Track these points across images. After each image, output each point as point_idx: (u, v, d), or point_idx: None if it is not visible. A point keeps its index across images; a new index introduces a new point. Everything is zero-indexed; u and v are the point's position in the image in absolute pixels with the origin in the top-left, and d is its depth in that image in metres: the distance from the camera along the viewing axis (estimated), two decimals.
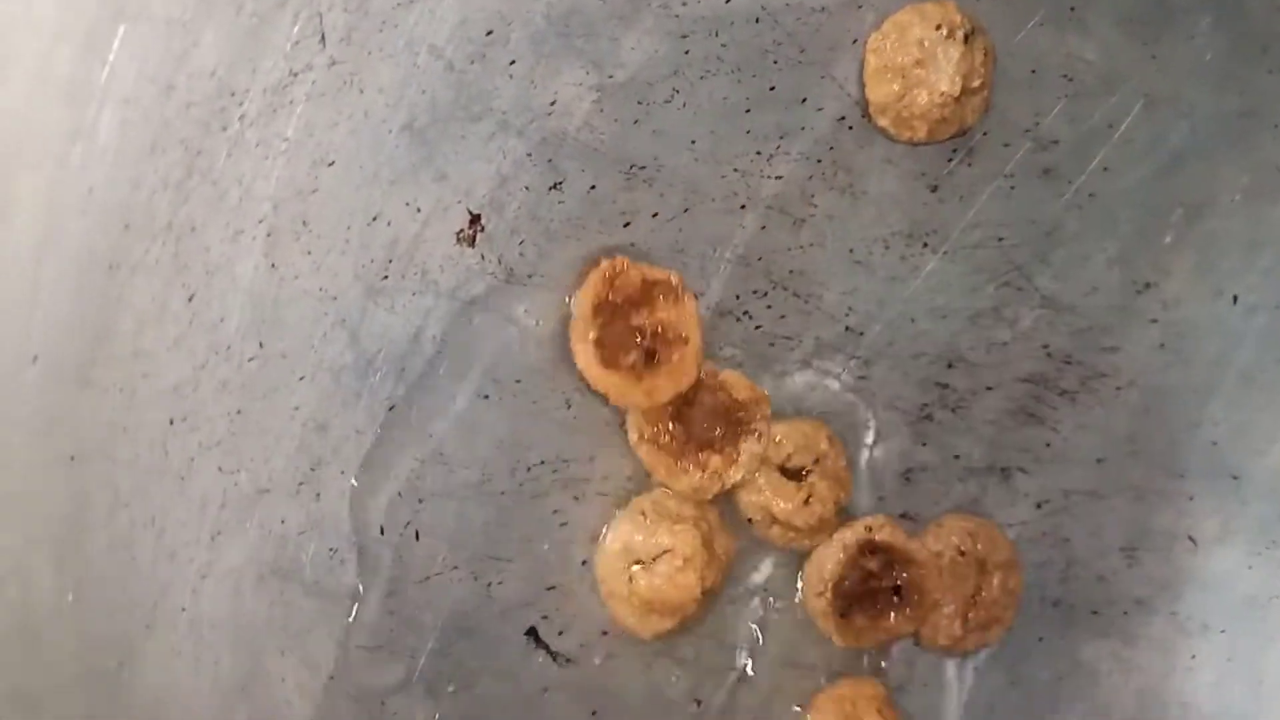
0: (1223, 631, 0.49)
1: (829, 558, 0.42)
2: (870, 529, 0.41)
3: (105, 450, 0.34)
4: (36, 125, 0.29)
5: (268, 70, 0.34)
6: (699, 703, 0.45)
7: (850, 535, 0.42)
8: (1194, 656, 0.49)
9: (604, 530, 0.41)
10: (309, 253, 0.36)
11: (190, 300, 0.34)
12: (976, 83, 0.41)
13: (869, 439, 0.46)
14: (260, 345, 0.36)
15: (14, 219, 0.28)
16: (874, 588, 0.42)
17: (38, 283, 0.30)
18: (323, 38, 0.34)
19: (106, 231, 0.32)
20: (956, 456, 0.47)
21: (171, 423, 0.36)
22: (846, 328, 0.45)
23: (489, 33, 0.37)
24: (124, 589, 0.34)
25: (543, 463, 0.43)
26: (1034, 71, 0.44)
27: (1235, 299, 0.48)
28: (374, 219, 0.37)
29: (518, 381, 0.42)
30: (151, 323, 0.33)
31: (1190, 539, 0.49)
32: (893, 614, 0.42)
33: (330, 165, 0.36)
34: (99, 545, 0.33)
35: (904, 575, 0.42)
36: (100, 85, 0.30)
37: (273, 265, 0.35)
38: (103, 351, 0.33)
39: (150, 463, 0.34)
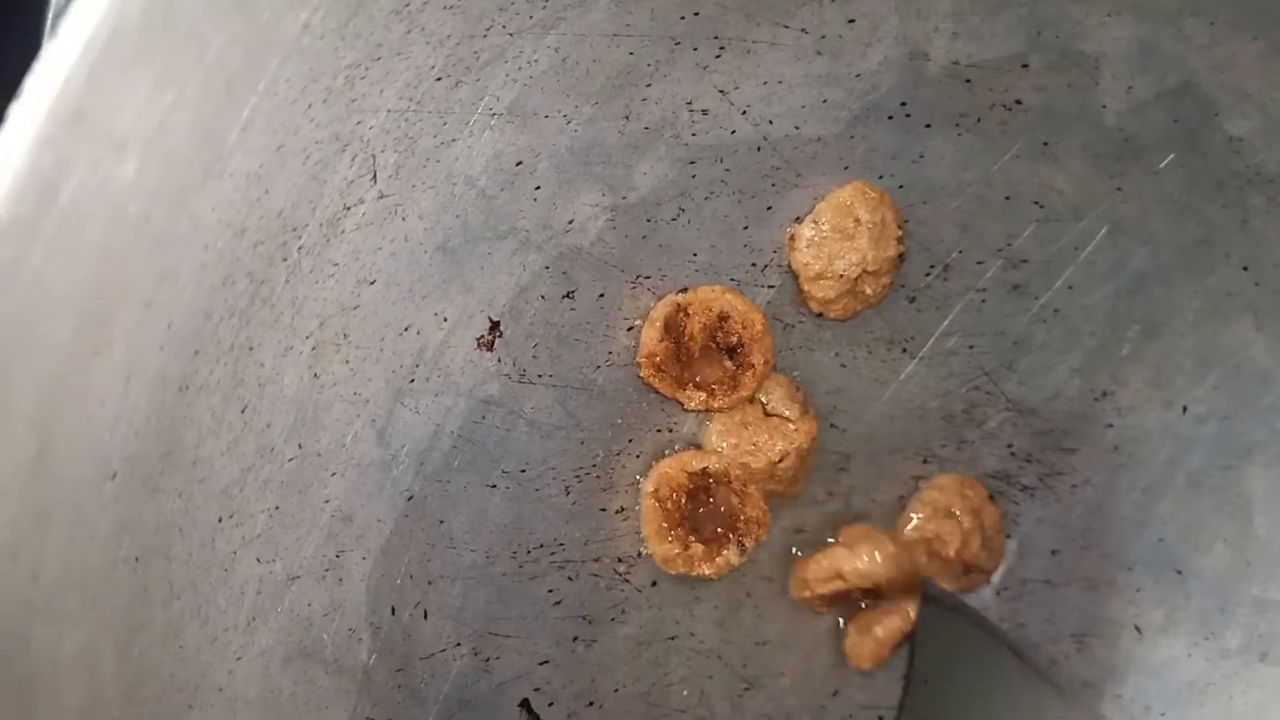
0: (1162, 715, 0.54)
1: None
2: None
3: (164, 550, 0.37)
4: (128, 275, 0.32)
5: (325, 206, 0.38)
6: None
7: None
8: None
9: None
10: (347, 362, 0.40)
11: (243, 411, 0.38)
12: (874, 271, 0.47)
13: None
14: (299, 447, 0.40)
15: (106, 356, 0.33)
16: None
17: (120, 409, 0.34)
18: (374, 175, 0.38)
19: (179, 358, 0.35)
20: None
21: (220, 521, 0.39)
22: (831, 424, 0.50)
23: (519, 163, 0.41)
24: (172, 674, 0.38)
25: (541, 546, 0.48)
26: (1008, 198, 0.50)
27: (1185, 409, 0.53)
28: (405, 329, 0.42)
29: (522, 471, 0.47)
30: (209, 434, 0.38)
31: (1136, 628, 0.54)
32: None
33: (372, 284, 0.40)
34: (154, 636, 0.37)
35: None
36: (185, 235, 0.34)
37: (315, 375, 0.40)
38: (168, 463, 0.37)
39: (200, 559, 0.38)
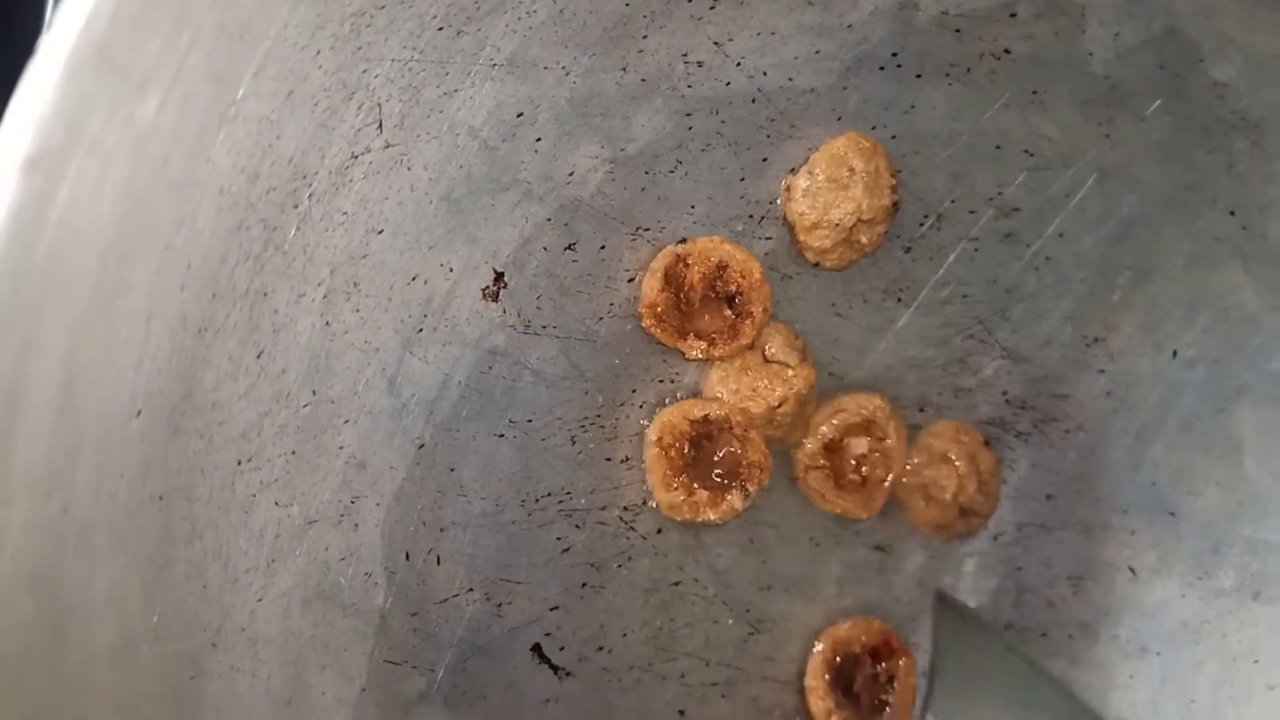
0: (1158, 654, 0.55)
1: None
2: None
3: (186, 490, 0.38)
4: (150, 215, 0.33)
5: (334, 154, 0.39)
6: (682, 713, 0.52)
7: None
8: (1132, 676, 0.55)
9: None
10: (357, 310, 0.42)
11: (259, 357, 0.40)
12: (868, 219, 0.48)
13: None
14: (314, 393, 0.42)
15: (129, 296, 0.34)
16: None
17: (144, 349, 0.36)
18: (380, 124, 0.40)
19: (198, 301, 0.37)
20: None
21: (239, 464, 0.40)
22: (829, 373, 0.52)
23: (519, 115, 0.43)
24: (196, 612, 0.39)
25: (549, 494, 0.49)
26: (998, 147, 0.51)
27: (1175, 354, 0.54)
28: (413, 279, 0.43)
29: (529, 421, 0.48)
30: (227, 377, 0.39)
31: (1131, 570, 0.55)
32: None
33: (379, 233, 0.41)
34: (178, 574, 0.39)
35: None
36: (202, 179, 0.35)
37: (327, 323, 0.41)
38: (189, 404, 0.38)
39: (221, 499, 0.39)
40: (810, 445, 0.49)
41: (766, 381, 0.48)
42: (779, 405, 0.48)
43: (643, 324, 0.47)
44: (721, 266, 0.47)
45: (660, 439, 0.47)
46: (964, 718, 0.51)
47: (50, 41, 0.30)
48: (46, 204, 0.31)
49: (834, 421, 0.49)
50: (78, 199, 0.32)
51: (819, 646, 0.51)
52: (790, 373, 0.48)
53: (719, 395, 0.48)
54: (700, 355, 0.48)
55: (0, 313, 0.32)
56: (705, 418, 0.48)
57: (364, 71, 0.40)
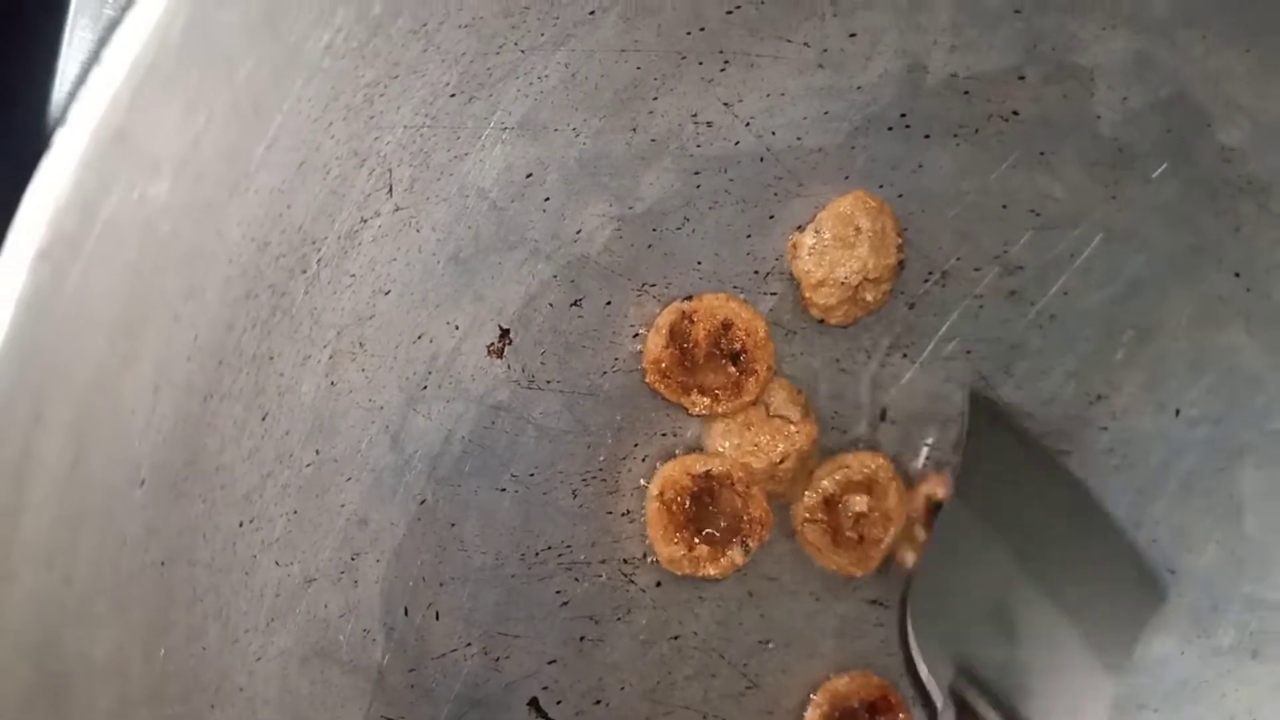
0: (1156, 711, 0.56)
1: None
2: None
3: (187, 554, 0.38)
4: (159, 289, 0.33)
5: (343, 219, 0.40)
6: None
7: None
8: None
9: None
10: (363, 370, 0.42)
11: (264, 419, 0.40)
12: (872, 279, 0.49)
13: None
14: (317, 453, 0.42)
15: (137, 367, 0.34)
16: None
17: (150, 417, 0.36)
18: (390, 189, 0.40)
19: (205, 368, 0.37)
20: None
21: (240, 525, 0.41)
22: (832, 428, 0.52)
23: (529, 175, 0.43)
24: (195, 675, 0.39)
25: (549, 548, 0.49)
26: (1005, 206, 0.52)
27: (1178, 413, 0.55)
28: (419, 338, 0.43)
29: (531, 475, 0.48)
30: (231, 441, 0.39)
31: None
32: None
33: (387, 294, 0.42)
34: (179, 638, 0.39)
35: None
36: (211, 250, 0.35)
37: (332, 383, 0.41)
38: (193, 469, 0.38)
39: (222, 562, 0.40)
40: (810, 499, 0.49)
41: (768, 437, 0.48)
42: (781, 461, 0.48)
43: (646, 380, 0.47)
44: (727, 324, 0.47)
45: (662, 493, 0.47)
46: (983, 504, 0.52)
47: (66, 133, 0.30)
48: (57, 288, 0.31)
49: (835, 477, 0.50)
50: (88, 280, 0.32)
51: (817, 700, 0.51)
52: (792, 428, 0.48)
53: (721, 450, 0.48)
54: (703, 411, 0.48)
55: (8, 392, 0.32)
56: (707, 473, 0.48)
57: (375, 139, 0.40)
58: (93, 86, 0.30)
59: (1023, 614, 0.51)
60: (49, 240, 0.30)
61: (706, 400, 0.47)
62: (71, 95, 0.30)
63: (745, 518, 0.48)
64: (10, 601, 0.34)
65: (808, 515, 0.49)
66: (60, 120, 0.29)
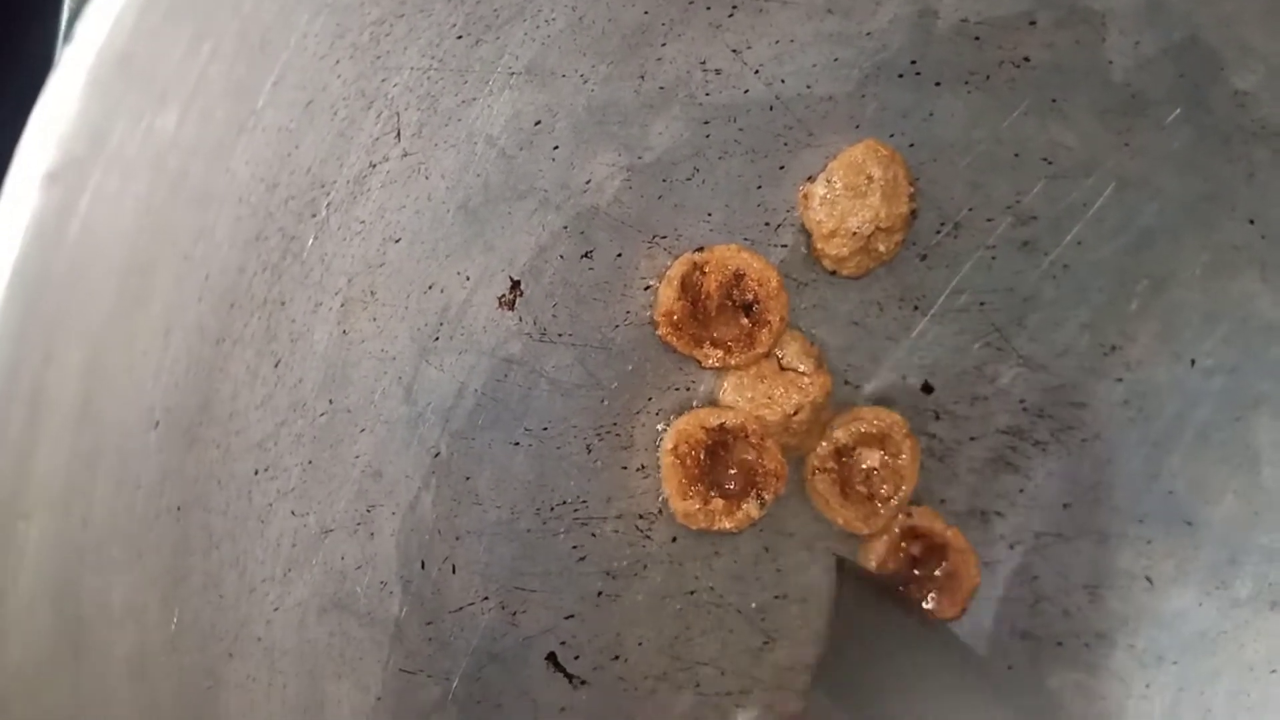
0: (1175, 663, 0.55)
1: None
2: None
3: (203, 500, 0.38)
4: (170, 227, 0.33)
5: (351, 163, 0.39)
6: None
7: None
8: (1148, 686, 0.55)
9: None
10: (374, 319, 0.42)
11: (276, 366, 0.40)
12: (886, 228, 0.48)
13: None
14: (330, 402, 0.42)
15: (148, 307, 0.34)
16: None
17: (162, 360, 0.36)
18: (398, 133, 0.40)
19: (217, 311, 0.37)
20: (942, 501, 0.54)
21: (256, 473, 0.41)
22: (845, 381, 0.52)
23: (537, 123, 0.43)
24: (212, 623, 0.39)
25: (564, 503, 0.49)
26: (1017, 155, 0.51)
27: (1193, 363, 0.54)
28: (430, 288, 0.43)
29: (544, 429, 0.48)
30: (244, 387, 0.39)
31: (1148, 579, 0.55)
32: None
33: (397, 242, 0.41)
34: (195, 585, 0.39)
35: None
36: (221, 189, 0.35)
37: (344, 332, 0.41)
38: (206, 414, 0.38)
39: (237, 509, 0.40)
40: (822, 449, 0.49)
41: (782, 389, 0.48)
42: (795, 413, 0.48)
43: (658, 332, 0.47)
44: (739, 275, 0.47)
45: (676, 447, 0.47)
46: (861, 667, 0.50)
47: (72, 52, 0.30)
48: (67, 216, 0.31)
49: (850, 429, 0.49)
50: (98, 211, 0.32)
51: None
52: (806, 380, 0.48)
53: (735, 403, 0.48)
54: (716, 364, 0.48)
55: (20, 325, 0.32)
56: (721, 426, 0.48)
57: (383, 80, 0.40)
58: (97, 5, 0.30)
59: None
60: (58, 163, 0.30)
61: (719, 353, 0.47)
62: (76, 12, 0.29)
63: (760, 471, 0.48)
64: (28, 541, 0.34)
65: (818, 465, 0.49)
66: (67, 38, 0.29)
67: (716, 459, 0.49)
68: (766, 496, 0.48)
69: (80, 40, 0.30)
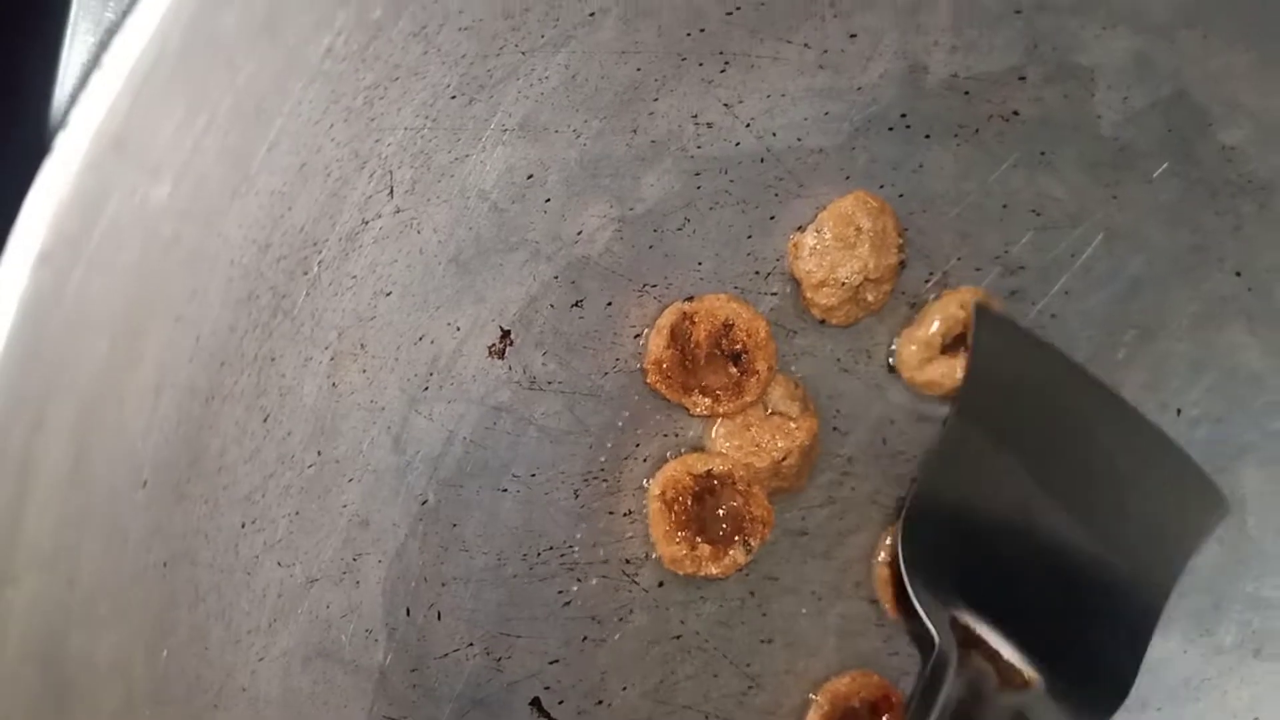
0: (1159, 710, 0.56)
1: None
2: None
3: (190, 555, 0.39)
4: (161, 291, 0.34)
5: (344, 221, 0.40)
6: None
7: None
8: None
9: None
10: (364, 371, 0.42)
11: (265, 421, 0.40)
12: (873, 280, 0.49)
13: (851, 532, 0.53)
14: (318, 454, 0.42)
15: (139, 369, 0.34)
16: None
17: (152, 419, 0.36)
18: (391, 190, 0.40)
19: (207, 370, 0.37)
20: None
21: (243, 526, 0.41)
22: (834, 428, 0.53)
23: (529, 177, 0.43)
24: (198, 674, 0.40)
25: (551, 548, 0.50)
26: (1005, 206, 0.52)
27: (1180, 412, 0.55)
28: (420, 339, 0.43)
29: (533, 476, 0.48)
30: (233, 442, 0.39)
31: None
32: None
33: (387, 295, 0.42)
34: (181, 639, 0.39)
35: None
36: (213, 252, 0.35)
37: (334, 384, 0.42)
38: (195, 470, 0.38)
39: (224, 562, 0.40)
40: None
41: (769, 435, 0.49)
42: (784, 459, 0.48)
43: (648, 380, 0.48)
44: (727, 324, 0.47)
45: (663, 493, 0.48)
46: (993, 418, 0.52)
47: (66, 138, 0.30)
48: (59, 291, 0.32)
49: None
50: (91, 281, 0.32)
51: (818, 700, 0.51)
52: (792, 425, 0.49)
53: (723, 451, 0.48)
54: (705, 412, 0.48)
55: (10, 395, 0.33)
56: (708, 472, 0.48)
57: (376, 141, 0.40)
58: (93, 90, 0.31)
59: (1041, 534, 0.50)
60: (50, 243, 0.31)
61: (708, 401, 0.48)
62: (72, 99, 0.30)
63: (747, 516, 0.48)
64: (15, 605, 0.34)
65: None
66: (61, 124, 0.29)
67: (703, 505, 0.49)
68: (753, 542, 0.49)
69: (75, 126, 0.30)
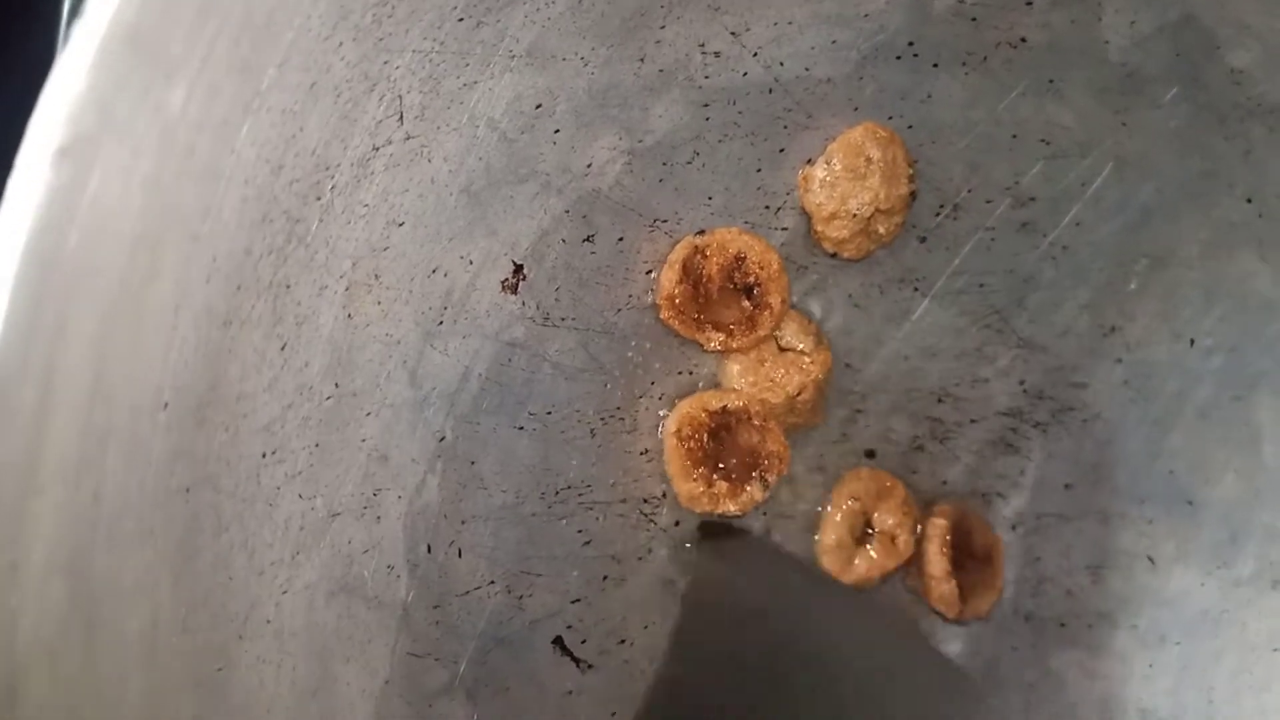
0: (1178, 643, 0.55)
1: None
2: None
3: (212, 481, 0.39)
4: (176, 205, 0.34)
5: (355, 146, 0.40)
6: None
7: None
8: (1151, 666, 0.55)
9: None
10: (379, 303, 0.42)
11: (283, 349, 0.40)
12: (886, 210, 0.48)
13: (865, 468, 0.52)
14: (336, 386, 0.42)
15: (157, 286, 0.35)
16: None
17: (171, 339, 0.36)
18: (401, 116, 0.40)
19: (224, 293, 0.37)
20: (944, 483, 0.55)
21: (264, 456, 0.41)
22: (846, 364, 0.52)
23: (538, 106, 0.43)
24: (223, 604, 0.40)
25: (569, 487, 0.49)
26: (1015, 136, 0.51)
27: (1193, 342, 0.54)
28: (433, 271, 0.43)
29: (548, 413, 0.48)
30: (252, 369, 0.39)
31: (1149, 559, 0.56)
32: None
33: (400, 225, 0.42)
34: (205, 566, 0.39)
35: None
36: (227, 169, 0.35)
37: (349, 316, 0.41)
38: (214, 396, 0.38)
39: (246, 492, 0.40)
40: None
41: (784, 370, 0.49)
42: (798, 394, 0.48)
43: (661, 316, 0.47)
44: (739, 258, 0.47)
45: (679, 430, 0.47)
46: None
47: (82, 29, 0.30)
48: (78, 192, 0.32)
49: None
50: (107, 187, 0.32)
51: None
52: (806, 360, 0.48)
53: (738, 387, 0.48)
54: (718, 347, 0.48)
55: (33, 299, 0.32)
56: (724, 409, 0.48)
57: (385, 63, 0.40)
58: None
59: None
60: (68, 139, 0.30)
61: (721, 335, 0.48)
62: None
63: (763, 453, 0.48)
64: (41, 516, 0.34)
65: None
66: (75, 13, 0.29)
67: (719, 441, 0.50)
68: (770, 478, 0.49)
69: (89, 15, 0.30)
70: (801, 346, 0.48)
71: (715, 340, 0.48)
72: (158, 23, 0.32)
